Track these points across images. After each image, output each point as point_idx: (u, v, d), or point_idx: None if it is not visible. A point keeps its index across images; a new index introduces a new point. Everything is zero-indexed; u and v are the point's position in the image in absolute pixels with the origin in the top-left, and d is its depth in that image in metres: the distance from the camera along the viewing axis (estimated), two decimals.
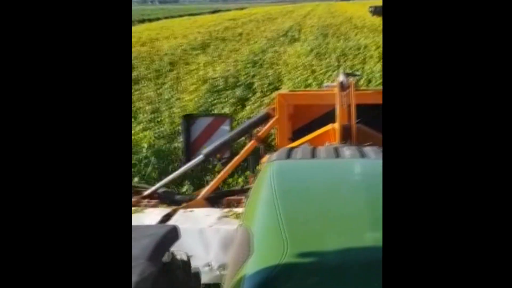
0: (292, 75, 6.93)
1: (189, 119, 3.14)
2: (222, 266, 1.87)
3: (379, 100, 2.39)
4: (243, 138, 2.96)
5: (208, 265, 2.00)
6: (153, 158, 3.82)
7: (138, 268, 1.00)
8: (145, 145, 4.09)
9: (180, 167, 2.94)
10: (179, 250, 1.33)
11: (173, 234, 1.26)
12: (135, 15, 25.76)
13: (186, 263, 1.39)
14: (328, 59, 8.37)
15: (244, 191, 2.66)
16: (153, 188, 2.79)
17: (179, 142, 4.18)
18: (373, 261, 0.92)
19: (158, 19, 30.56)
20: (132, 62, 8.39)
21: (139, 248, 1.07)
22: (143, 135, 4.43)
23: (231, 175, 3.25)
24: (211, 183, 2.75)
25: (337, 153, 1.57)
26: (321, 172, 1.52)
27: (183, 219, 2.21)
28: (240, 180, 3.42)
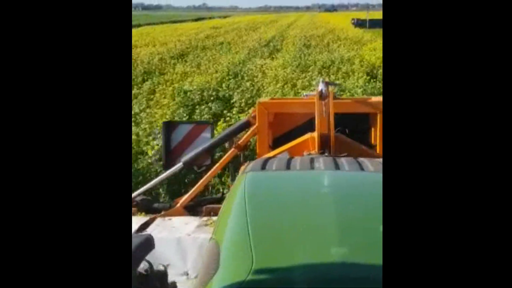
0: (272, 89, 6.58)
1: (169, 126, 3.08)
2: None
3: (358, 109, 2.41)
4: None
5: (186, 274, 1.95)
6: None
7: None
8: None
9: (159, 174, 2.89)
10: (156, 260, 1.32)
11: (147, 244, 1.25)
12: None
13: (163, 274, 1.39)
14: (311, 72, 8.07)
15: (224, 199, 2.70)
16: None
17: (144, 162, 3.90)
18: (339, 277, 0.95)
19: (139, 25, 29.96)
20: None
21: None
22: None
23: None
24: (190, 191, 2.69)
25: (312, 164, 1.55)
26: (294, 184, 1.50)
27: (161, 227, 2.16)
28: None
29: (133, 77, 8.27)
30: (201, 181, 2.71)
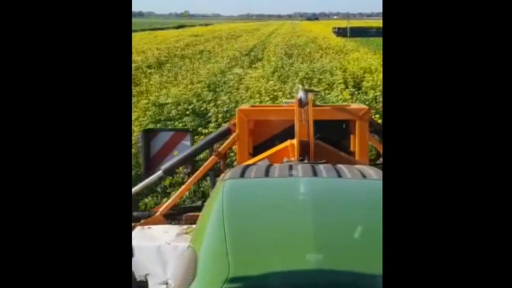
0: (252, 102, 6.21)
1: (148, 134, 3.04)
2: None
3: (337, 116, 2.43)
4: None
5: (166, 283, 1.95)
6: None
7: None
8: None
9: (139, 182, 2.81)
10: (136, 269, 1.36)
11: None
12: None
13: (144, 284, 1.40)
14: (292, 83, 7.74)
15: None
16: None
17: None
18: (316, 284, 0.96)
19: None
20: None
21: None
22: None
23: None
24: (170, 200, 2.69)
25: (290, 172, 1.56)
26: (272, 191, 1.50)
27: (140, 236, 2.12)
28: None
29: None
30: (181, 189, 2.69)
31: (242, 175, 1.54)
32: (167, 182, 3.60)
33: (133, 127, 5.11)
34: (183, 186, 2.70)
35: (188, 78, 8.82)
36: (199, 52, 15.15)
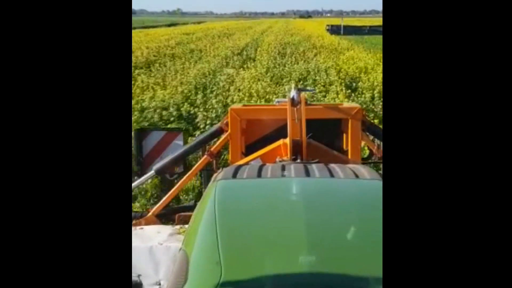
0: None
1: (141, 133, 3.03)
2: None
3: (329, 115, 2.41)
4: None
5: (158, 284, 1.93)
6: None
7: None
8: None
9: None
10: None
11: None
12: None
13: (139, 285, 1.38)
14: (285, 85, 7.40)
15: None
16: None
17: None
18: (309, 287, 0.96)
19: None
20: None
21: None
22: None
23: None
24: (162, 200, 2.64)
25: (283, 172, 1.54)
26: (265, 192, 1.50)
27: (133, 236, 2.04)
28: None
29: None
30: (173, 189, 2.65)
31: (234, 175, 1.52)
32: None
33: None
34: (176, 186, 2.64)
35: (177, 79, 8.42)
36: (190, 51, 14.73)
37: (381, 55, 13.70)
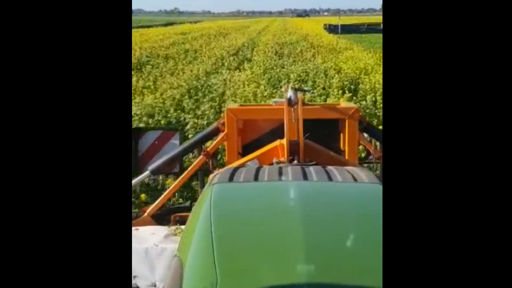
0: None
1: (137, 133, 3.01)
2: None
3: (327, 115, 2.40)
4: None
5: (153, 285, 1.91)
6: None
7: None
8: None
9: None
10: None
11: None
12: None
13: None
14: (283, 87, 6.97)
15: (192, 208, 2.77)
16: None
17: None
18: None
19: None
20: None
21: None
22: None
23: None
24: (158, 200, 2.62)
25: (280, 175, 1.52)
26: (262, 197, 1.47)
27: None
28: None
29: None
30: (169, 189, 2.65)
31: (231, 179, 1.50)
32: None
33: None
34: (171, 187, 2.63)
35: (169, 81, 7.99)
36: (184, 52, 14.29)
37: (381, 54, 13.38)
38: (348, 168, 1.60)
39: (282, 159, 1.99)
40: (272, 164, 1.87)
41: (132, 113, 5.43)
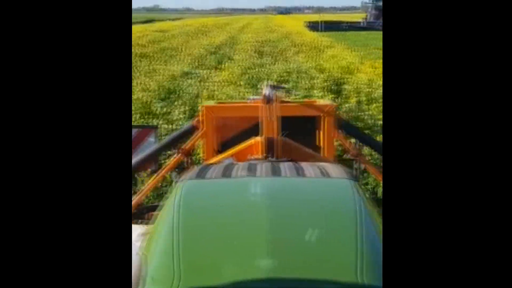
0: None
1: None
2: None
3: (303, 112, 2.44)
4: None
5: None
6: None
7: None
8: None
9: None
10: None
11: None
12: None
13: None
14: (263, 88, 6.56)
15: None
16: None
17: None
18: None
19: None
20: None
21: None
22: None
23: None
24: (134, 199, 2.53)
25: (250, 171, 1.52)
26: (229, 193, 1.47)
27: None
28: None
29: None
30: (145, 188, 2.62)
31: (201, 175, 1.49)
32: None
33: None
34: (147, 185, 2.62)
35: (141, 83, 7.48)
36: (161, 50, 13.73)
37: (364, 53, 13.13)
38: (320, 164, 1.60)
39: (258, 156, 1.98)
40: (248, 161, 1.86)
41: None
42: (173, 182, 2.86)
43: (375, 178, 2.97)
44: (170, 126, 4.66)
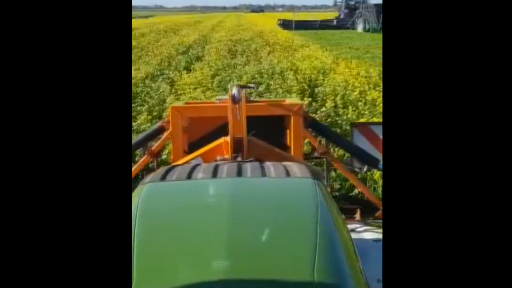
0: None
1: None
2: None
3: (271, 111, 2.44)
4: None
5: None
6: None
7: None
8: None
9: None
10: None
11: None
12: None
13: None
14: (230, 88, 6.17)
15: None
16: None
17: None
18: None
19: None
20: None
21: None
22: None
23: None
24: None
25: (214, 172, 1.50)
26: (190, 195, 1.46)
27: None
28: None
29: None
30: None
31: (163, 177, 1.47)
32: None
33: None
34: None
35: None
36: None
37: (337, 52, 12.97)
38: (285, 163, 1.60)
39: (226, 156, 1.97)
40: (215, 161, 1.85)
41: None
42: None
43: (343, 175, 3.07)
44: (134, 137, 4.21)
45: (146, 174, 2.50)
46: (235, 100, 2.04)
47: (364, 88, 6.69)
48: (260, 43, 15.07)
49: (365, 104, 5.73)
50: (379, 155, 2.55)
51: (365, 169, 2.77)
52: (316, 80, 7.77)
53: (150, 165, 2.65)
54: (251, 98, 2.86)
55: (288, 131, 2.44)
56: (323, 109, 5.61)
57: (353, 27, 25.64)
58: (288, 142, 2.44)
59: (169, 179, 1.46)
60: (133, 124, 4.68)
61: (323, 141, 2.63)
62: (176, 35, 19.58)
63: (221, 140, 2.08)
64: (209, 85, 6.95)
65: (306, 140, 2.76)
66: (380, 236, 2.35)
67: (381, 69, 8.79)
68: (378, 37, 18.82)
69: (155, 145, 2.49)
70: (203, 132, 2.47)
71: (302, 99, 5.95)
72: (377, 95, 5.99)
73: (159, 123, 2.52)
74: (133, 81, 7.41)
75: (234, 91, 2.08)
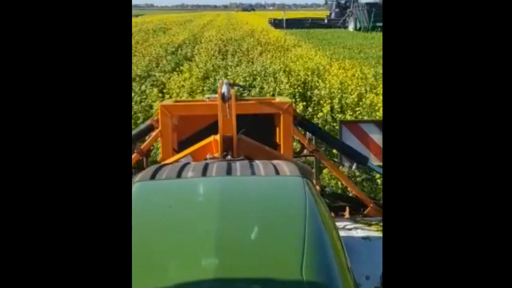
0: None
1: None
2: None
3: (261, 110, 2.44)
4: None
5: None
6: None
7: None
8: None
9: None
10: None
11: None
12: None
13: None
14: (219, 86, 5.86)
15: None
16: None
17: None
18: None
19: None
20: None
21: None
22: None
23: None
24: None
25: (204, 171, 1.50)
26: (180, 193, 1.46)
27: None
28: None
29: None
30: None
31: (153, 176, 1.47)
32: None
33: None
34: None
35: None
36: None
37: (331, 52, 12.74)
38: (274, 161, 1.59)
39: (216, 154, 1.97)
40: (204, 160, 1.85)
41: None
42: None
43: (332, 173, 3.05)
44: None
45: (136, 173, 2.47)
46: (224, 98, 2.01)
47: (361, 90, 6.44)
48: (251, 42, 14.77)
49: (363, 108, 5.48)
50: (368, 153, 2.60)
51: (354, 167, 2.63)
52: (310, 81, 7.51)
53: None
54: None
55: (277, 129, 2.45)
56: (320, 114, 5.34)
57: (344, 26, 25.48)
58: (278, 140, 2.45)
59: (159, 177, 1.46)
60: None
61: (313, 139, 2.65)
62: (165, 34, 19.18)
63: (210, 138, 2.08)
64: (201, 88, 6.62)
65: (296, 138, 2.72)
66: (369, 233, 2.29)
67: (376, 70, 8.57)
68: (371, 36, 18.65)
69: (144, 143, 2.46)
70: (192, 130, 2.47)
71: (296, 102, 5.67)
72: (374, 98, 5.74)
73: (148, 122, 2.50)
74: None
75: (224, 89, 2.04)
